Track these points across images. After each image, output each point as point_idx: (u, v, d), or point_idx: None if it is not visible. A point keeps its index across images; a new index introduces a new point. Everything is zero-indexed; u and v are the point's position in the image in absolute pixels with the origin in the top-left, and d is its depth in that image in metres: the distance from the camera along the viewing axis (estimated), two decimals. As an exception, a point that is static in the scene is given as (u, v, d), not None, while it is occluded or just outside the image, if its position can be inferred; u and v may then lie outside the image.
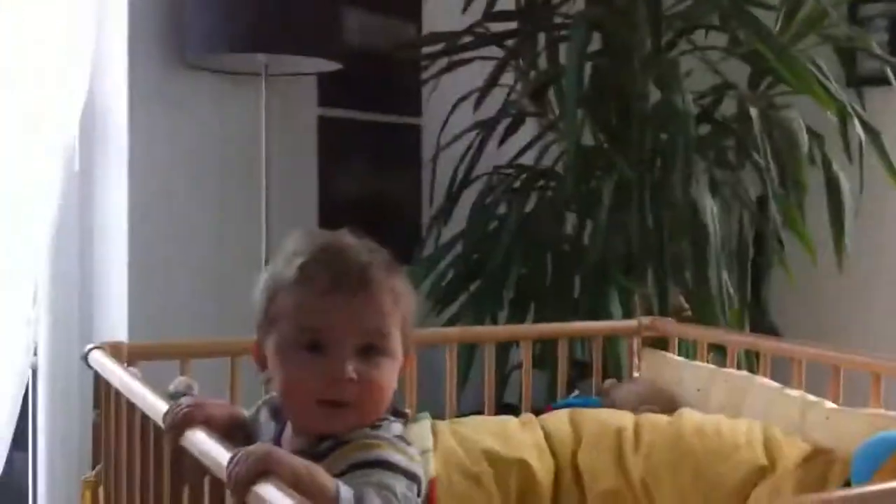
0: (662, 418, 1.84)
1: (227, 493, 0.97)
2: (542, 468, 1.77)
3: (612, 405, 2.08)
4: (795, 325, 3.07)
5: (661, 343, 2.31)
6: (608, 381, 2.23)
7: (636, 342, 2.29)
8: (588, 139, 2.80)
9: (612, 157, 2.66)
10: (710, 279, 2.52)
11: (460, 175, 2.89)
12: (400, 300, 1.15)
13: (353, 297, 1.12)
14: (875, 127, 2.74)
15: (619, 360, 2.50)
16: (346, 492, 0.97)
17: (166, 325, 2.55)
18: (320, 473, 0.97)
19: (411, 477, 1.06)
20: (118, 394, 1.51)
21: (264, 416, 1.25)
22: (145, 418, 1.34)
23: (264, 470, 0.94)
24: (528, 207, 2.77)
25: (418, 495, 1.07)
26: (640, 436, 1.79)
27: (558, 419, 1.90)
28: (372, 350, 1.13)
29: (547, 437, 1.84)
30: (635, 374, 2.25)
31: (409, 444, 1.13)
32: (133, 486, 1.43)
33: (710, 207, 2.54)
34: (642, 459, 1.75)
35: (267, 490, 0.92)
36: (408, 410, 1.23)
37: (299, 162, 2.93)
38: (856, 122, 2.68)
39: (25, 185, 2.46)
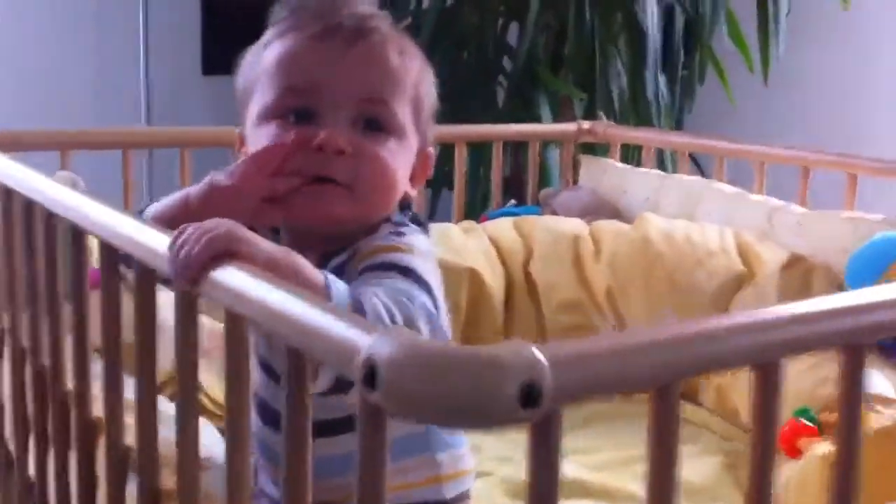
0: (621, 225, 1.65)
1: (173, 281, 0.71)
2: (494, 278, 1.56)
3: (554, 215, 1.88)
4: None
5: (595, 152, 2.12)
6: (546, 190, 2.03)
7: (572, 149, 2.08)
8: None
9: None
10: (647, 83, 2.32)
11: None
12: (411, 65, 0.88)
13: (348, 49, 0.85)
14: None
15: (548, 171, 2.31)
16: (338, 285, 0.71)
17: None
18: (303, 262, 0.71)
19: (435, 299, 0.79)
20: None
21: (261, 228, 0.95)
22: (30, 205, 1.06)
23: (225, 250, 0.68)
24: (449, 1, 2.48)
25: (441, 331, 0.79)
26: (601, 243, 1.59)
27: (502, 227, 1.69)
28: (374, 125, 0.85)
29: (494, 244, 1.62)
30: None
31: (436, 263, 0.85)
32: (14, 285, 1.16)
33: (651, 3, 2.31)
34: (606, 268, 1.56)
35: (229, 272, 0.66)
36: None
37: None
38: None
39: None
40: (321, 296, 0.69)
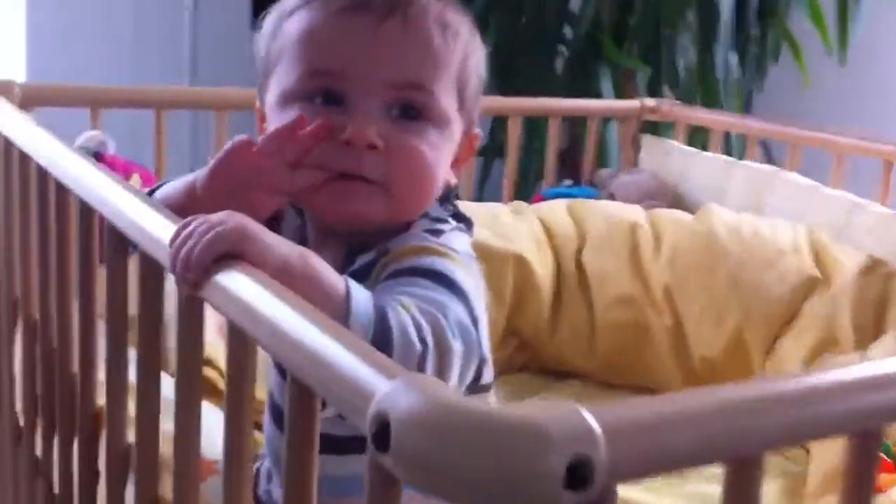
0: (684, 215, 1.53)
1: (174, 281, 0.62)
2: (543, 267, 1.46)
3: (611, 198, 1.77)
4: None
5: (657, 131, 2.00)
6: (604, 171, 1.91)
7: (633, 127, 1.96)
8: None
9: None
10: (717, 59, 2.18)
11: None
12: (455, 41, 0.76)
13: (381, 25, 0.73)
14: None
15: (606, 148, 2.19)
16: (361, 295, 0.62)
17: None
18: (322, 268, 0.62)
19: (472, 310, 0.68)
20: (7, 143, 1.13)
21: (289, 209, 0.83)
22: (42, 172, 0.98)
23: (232, 250, 0.59)
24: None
25: (479, 349, 0.68)
26: (660, 234, 1.48)
27: (555, 210, 1.58)
28: (412, 112, 0.75)
29: (545, 229, 1.52)
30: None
31: (478, 268, 0.75)
32: (28, 256, 1.09)
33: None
34: (665, 262, 1.44)
35: (234, 279, 0.57)
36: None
37: None
38: None
39: None
40: (340, 309, 0.60)
